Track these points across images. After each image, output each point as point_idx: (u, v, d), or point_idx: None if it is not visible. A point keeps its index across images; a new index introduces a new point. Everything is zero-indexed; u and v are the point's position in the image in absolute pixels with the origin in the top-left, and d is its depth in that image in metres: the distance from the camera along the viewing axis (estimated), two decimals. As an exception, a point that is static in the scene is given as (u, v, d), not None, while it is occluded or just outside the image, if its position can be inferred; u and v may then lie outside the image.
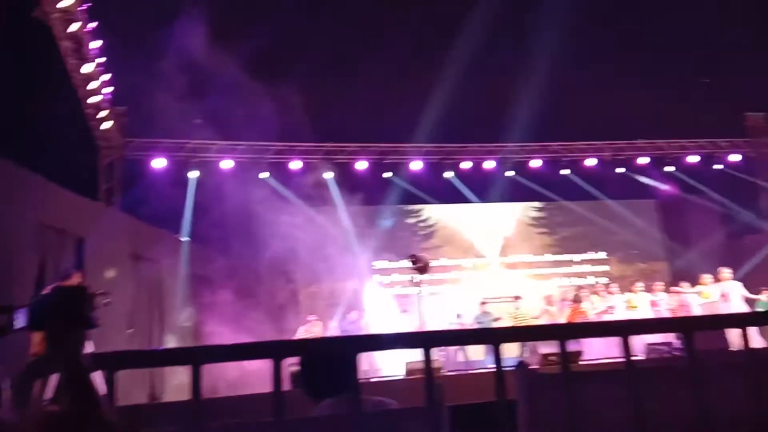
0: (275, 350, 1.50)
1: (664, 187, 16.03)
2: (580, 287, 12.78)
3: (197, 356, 1.47)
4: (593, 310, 11.78)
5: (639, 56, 12.80)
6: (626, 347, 1.65)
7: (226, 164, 13.75)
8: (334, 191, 14.66)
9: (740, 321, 1.76)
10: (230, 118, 12.32)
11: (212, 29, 10.89)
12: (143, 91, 10.98)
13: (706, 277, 11.82)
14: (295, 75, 12.34)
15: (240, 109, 11.66)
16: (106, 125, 12.37)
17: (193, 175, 13.56)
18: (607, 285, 12.39)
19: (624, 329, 1.72)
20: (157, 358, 1.55)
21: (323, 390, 2.16)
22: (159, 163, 13.33)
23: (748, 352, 1.79)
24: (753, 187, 16.39)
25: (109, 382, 1.48)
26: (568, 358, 6.02)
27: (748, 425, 1.85)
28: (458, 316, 12.84)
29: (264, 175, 14.09)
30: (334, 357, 2.02)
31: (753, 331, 6.74)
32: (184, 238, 12.72)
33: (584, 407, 1.77)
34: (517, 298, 12.89)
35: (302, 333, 11.94)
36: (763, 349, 7.58)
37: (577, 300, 11.76)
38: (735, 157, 16.32)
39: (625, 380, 1.73)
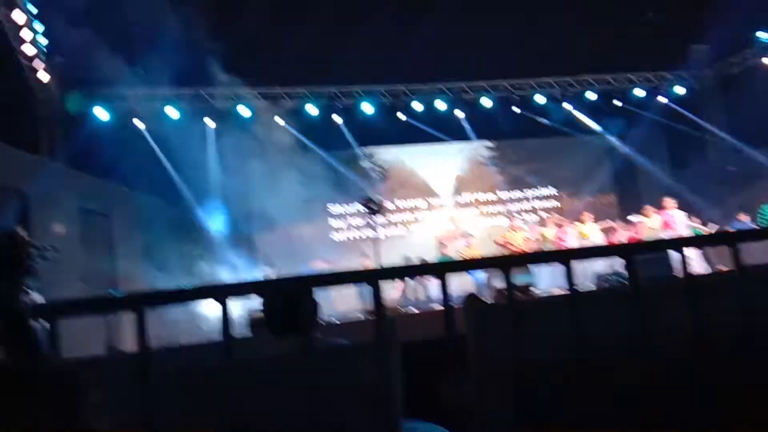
0: (220, 291, 1.49)
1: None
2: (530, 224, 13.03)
3: (139, 302, 1.44)
4: (545, 241, 12.07)
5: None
6: (569, 273, 1.68)
7: (171, 111, 13.37)
8: (287, 135, 14.45)
9: (678, 243, 1.81)
10: (174, 66, 11.94)
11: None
12: (82, 39, 10.54)
13: (649, 208, 12.20)
14: (237, 16, 11.99)
15: (181, 55, 11.29)
16: (44, 77, 11.85)
17: (140, 125, 13.18)
18: (559, 220, 12.65)
19: (565, 255, 1.75)
20: (99, 305, 1.52)
21: (281, 328, 2.18)
22: (100, 112, 12.88)
23: (686, 274, 1.85)
24: (699, 117, 16.77)
25: (52, 331, 1.45)
26: (520, 290, 6.17)
27: (691, 347, 1.93)
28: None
29: (211, 122, 13.77)
30: (287, 295, 2.03)
31: (694, 256, 6.99)
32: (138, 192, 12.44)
33: (531, 337, 1.81)
34: (467, 235, 13.07)
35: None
36: (707, 274, 7.94)
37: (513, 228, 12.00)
38: (680, 90, 16.61)
39: (569, 308, 1.77)
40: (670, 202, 12.00)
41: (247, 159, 14.12)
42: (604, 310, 1.99)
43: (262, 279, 11.68)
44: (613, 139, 16.67)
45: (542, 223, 12.52)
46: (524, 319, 1.79)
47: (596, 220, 12.89)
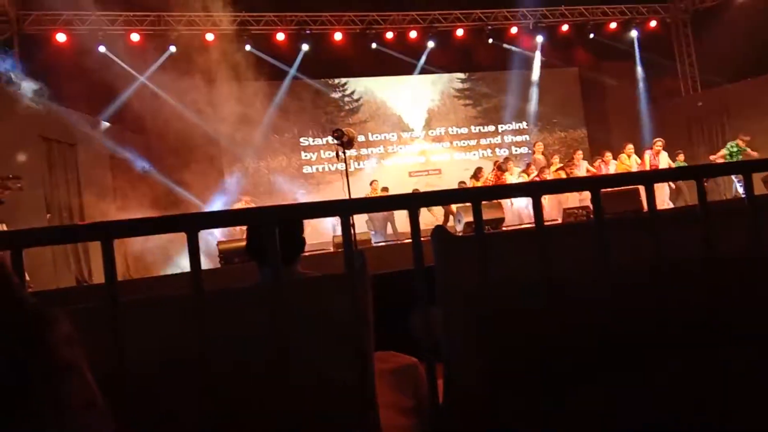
0: (190, 222, 1.47)
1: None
2: (506, 158, 13.04)
3: (107, 231, 1.42)
4: (518, 178, 12.15)
5: None
6: (536, 207, 1.70)
7: (135, 37, 12.92)
8: (254, 64, 14.11)
9: (645, 178, 1.84)
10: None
11: None
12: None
13: (629, 146, 12.26)
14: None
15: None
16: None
17: (101, 49, 12.72)
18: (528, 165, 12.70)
19: (534, 189, 1.77)
20: (64, 234, 1.50)
21: (260, 258, 2.20)
22: (61, 37, 12.38)
23: (651, 208, 1.88)
24: (670, 53, 16.79)
25: (17, 261, 1.43)
26: (491, 224, 6.25)
27: (651, 278, 1.97)
28: (384, 189, 12.99)
29: (173, 48, 13.34)
30: (259, 226, 2.03)
31: (660, 192, 7.13)
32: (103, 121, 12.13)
33: (498, 267, 1.84)
34: (437, 171, 13.10)
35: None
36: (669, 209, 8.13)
37: (501, 169, 12.05)
38: (653, 23, 16.53)
39: (536, 240, 1.80)
40: (658, 144, 12.01)
41: (213, 88, 13.82)
42: (568, 241, 2.02)
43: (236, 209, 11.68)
44: (585, 72, 16.64)
45: (526, 169, 12.49)
46: (491, 250, 1.82)
47: (564, 157, 12.99)
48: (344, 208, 1.59)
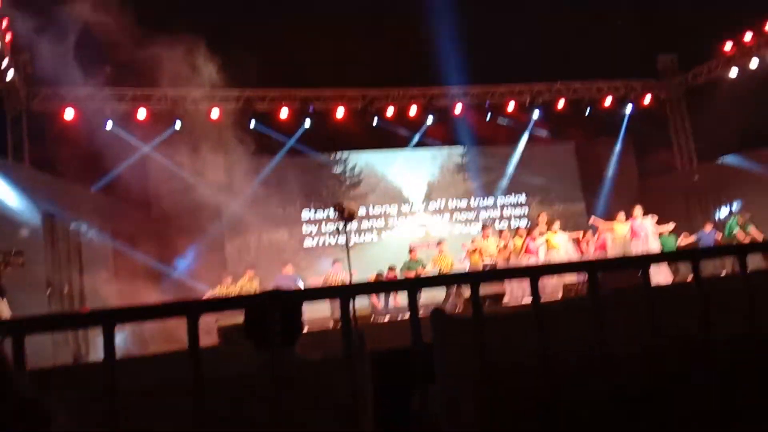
0: (190, 309, 1.49)
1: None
2: (501, 231, 13.13)
3: (108, 318, 1.44)
4: (515, 250, 12.18)
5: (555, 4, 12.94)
6: (534, 289, 1.72)
7: (142, 114, 13.22)
8: (258, 140, 14.39)
9: (641, 261, 1.87)
10: (141, 66, 11.83)
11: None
12: (49, 36, 10.40)
13: (620, 215, 12.39)
14: (205, 19, 11.95)
15: (150, 56, 11.20)
16: (9, 75, 11.62)
17: (109, 124, 12.99)
18: (529, 229, 12.75)
19: (533, 272, 1.79)
20: (66, 321, 1.52)
21: (257, 341, 2.20)
22: (69, 114, 12.66)
23: (646, 289, 1.90)
24: (664, 128, 17.11)
25: (17, 348, 1.44)
26: (491, 298, 6.24)
27: (645, 361, 1.98)
28: (390, 269, 12.93)
29: (179, 124, 13.63)
30: (259, 311, 2.05)
31: (659, 267, 7.14)
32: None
33: (496, 349, 1.84)
34: (440, 242, 13.15)
35: (241, 283, 11.97)
36: (666, 285, 8.12)
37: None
38: (647, 99, 16.92)
39: (532, 320, 1.82)
40: (638, 210, 12.21)
41: (217, 162, 14.07)
42: (566, 322, 2.04)
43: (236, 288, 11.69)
44: (581, 147, 16.93)
45: (513, 232, 12.60)
46: (489, 331, 1.83)
47: (565, 229, 13.07)
48: (344, 293, 1.61)
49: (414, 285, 1.69)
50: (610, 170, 16.59)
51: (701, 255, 1.89)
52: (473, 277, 1.69)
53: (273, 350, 1.63)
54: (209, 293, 11.52)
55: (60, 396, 1.46)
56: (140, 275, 11.59)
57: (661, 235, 12.27)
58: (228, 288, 11.61)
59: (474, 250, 12.27)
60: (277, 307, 1.57)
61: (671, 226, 12.47)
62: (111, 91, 12.93)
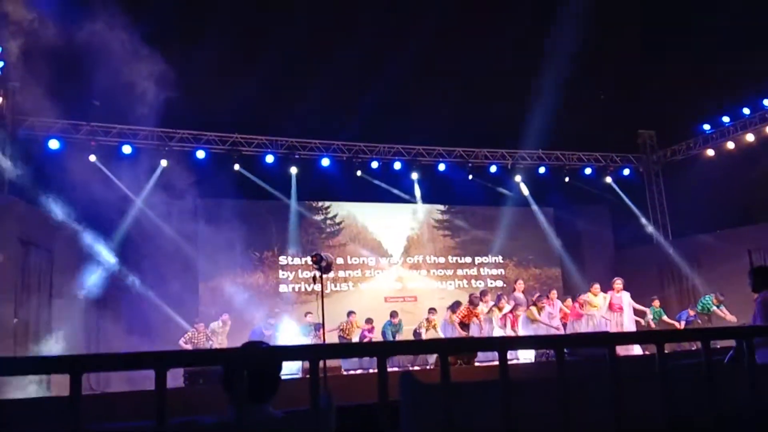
0: (158, 361, 1.50)
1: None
2: (483, 291, 13.14)
3: (77, 365, 1.44)
4: (489, 313, 12.23)
5: (541, 72, 13.30)
6: (502, 363, 1.75)
7: (126, 150, 13.23)
8: (241, 183, 14.44)
9: (607, 339, 1.91)
10: (130, 102, 11.91)
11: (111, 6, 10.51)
12: (39, 67, 10.45)
13: (596, 287, 12.47)
14: (201, 60, 12.11)
15: (141, 93, 11.29)
16: (-2, 101, 11.65)
17: (92, 158, 12.95)
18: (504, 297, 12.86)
19: (502, 345, 1.82)
20: (36, 365, 1.51)
21: (229, 394, 2.19)
22: (54, 144, 12.64)
23: (612, 368, 1.93)
24: (642, 200, 17.44)
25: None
26: (463, 359, 6.19)
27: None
28: (368, 320, 12.93)
29: (164, 163, 13.65)
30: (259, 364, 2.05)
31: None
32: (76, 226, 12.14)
33: (464, 416, 1.86)
34: (431, 311, 12.99)
35: (217, 328, 11.83)
36: (636, 356, 8.17)
37: (473, 303, 12.14)
38: (626, 171, 17.31)
39: (499, 391, 1.84)
40: (618, 284, 12.30)
41: (198, 203, 14.07)
42: (535, 398, 2.05)
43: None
44: (560, 213, 17.18)
45: (497, 303, 12.64)
46: (457, 399, 1.84)
47: (540, 293, 13.17)
48: (314, 354, 1.63)
49: (384, 350, 1.71)
50: (586, 239, 16.80)
51: (666, 338, 1.93)
52: (442, 347, 1.72)
53: (241, 407, 1.64)
54: (184, 338, 11.38)
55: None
56: (112, 311, 11.42)
57: (642, 312, 12.47)
58: (200, 333, 11.49)
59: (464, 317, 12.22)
60: (250, 365, 1.58)
61: (647, 310, 12.69)
62: (97, 125, 12.96)
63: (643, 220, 17.19)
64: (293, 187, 14.95)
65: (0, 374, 1.43)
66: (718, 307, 12.28)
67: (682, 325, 12.45)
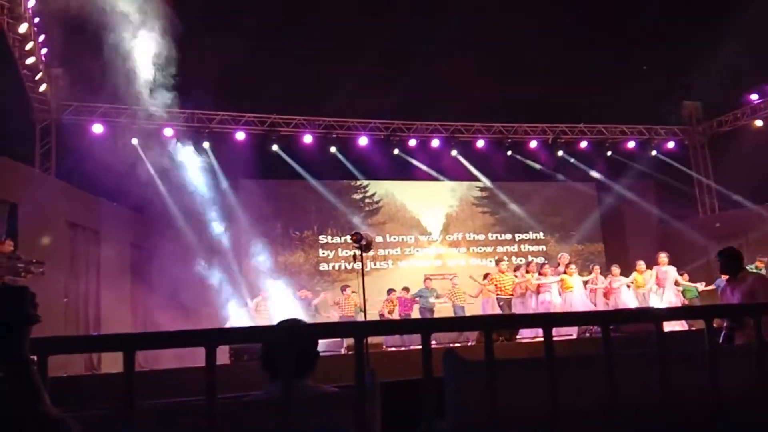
0: (209, 338, 1.53)
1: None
2: (518, 266, 13.08)
3: (130, 343, 1.48)
4: (529, 288, 12.15)
5: (583, 44, 13.04)
6: (547, 339, 1.74)
7: (168, 132, 13.42)
8: (280, 163, 14.55)
9: (654, 316, 1.88)
10: (172, 85, 12.06)
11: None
12: (83, 53, 10.64)
13: (641, 264, 12.24)
14: (235, 42, 12.17)
15: (183, 76, 11.43)
16: (42, 88, 11.92)
17: (134, 141, 13.20)
18: (541, 265, 12.69)
19: (546, 321, 1.81)
20: (91, 343, 1.56)
21: (273, 371, 2.23)
22: (97, 128, 12.91)
23: (659, 343, 1.91)
24: (687, 174, 17.02)
25: (42, 367, 1.49)
26: (505, 336, 6.19)
27: (658, 413, 1.98)
28: (404, 289, 13.04)
29: (206, 145, 13.84)
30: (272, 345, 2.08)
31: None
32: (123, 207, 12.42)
33: (506, 394, 1.86)
34: (453, 276, 13.13)
35: (253, 307, 12.03)
36: (679, 332, 8.03)
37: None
38: (671, 144, 16.89)
39: (544, 368, 1.83)
40: (663, 258, 12.06)
41: (239, 184, 14.25)
42: (578, 374, 2.04)
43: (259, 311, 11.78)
44: (603, 188, 16.88)
45: (528, 268, 12.53)
46: (500, 377, 1.84)
47: (582, 269, 13.01)
48: (358, 331, 1.64)
49: (428, 327, 1.72)
50: (630, 214, 16.46)
51: (713, 313, 1.89)
52: (486, 323, 1.72)
53: (285, 383, 1.66)
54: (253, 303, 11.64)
55: (77, 410, 1.50)
56: (156, 291, 11.67)
57: (681, 284, 12.19)
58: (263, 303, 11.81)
59: (490, 284, 12.25)
60: (291, 342, 1.60)
61: (691, 285, 12.41)
62: (139, 108, 13.17)
63: (689, 194, 16.79)
64: (329, 165, 14.98)
65: (57, 352, 1.48)
66: (759, 271, 11.95)
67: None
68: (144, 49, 10.91)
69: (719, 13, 13.13)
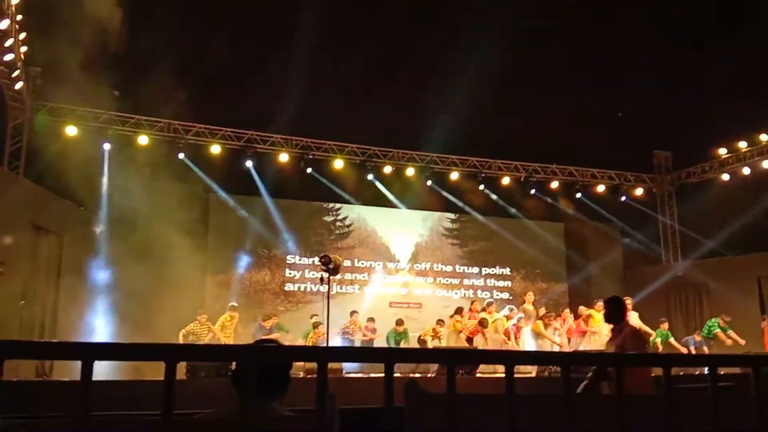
0: (168, 352, 1.51)
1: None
2: (488, 303, 13.13)
3: (90, 352, 1.46)
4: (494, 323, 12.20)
5: (561, 88, 13.33)
6: (508, 377, 1.75)
7: (142, 140, 13.29)
8: (253, 180, 14.49)
9: (615, 359, 1.91)
10: (151, 94, 12.01)
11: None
12: (61, 54, 10.54)
13: (599, 304, 12.36)
14: (217, 55, 12.20)
15: (162, 86, 11.37)
16: (18, 86, 11.73)
17: (107, 147, 13.04)
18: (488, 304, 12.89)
19: (510, 359, 1.82)
20: (48, 350, 1.53)
21: (238, 389, 2.20)
22: (71, 131, 12.72)
23: (617, 392, 1.92)
24: (654, 221, 17.37)
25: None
26: (465, 370, 6.17)
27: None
28: (370, 320, 13.00)
29: (181, 156, 13.71)
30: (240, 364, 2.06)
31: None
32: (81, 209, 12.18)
33: (466, 428, 1.86)
34: (438, 322, 12.97)
35: (226, 322, 11.82)
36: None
37: (482, 324, 12.03)
38: (639, 191, 17.24)
39: (504, 406, 1.84)
40: (627, 302, 12.20)
41: (210, 198, 14.15)
42: (538, 412, 2.05)
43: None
44: (570, 229, 17.11)
45: (488, 310, 12.61)
46: (461, 411, 1.85)
47: (546, 307, 13.12)
48: (322, 356, 1.64)
49: (392, 357, 1.72)
50: (596, 257, 16.69)
51: (672, 362, 1.93)
52: (449, 357, 1.72)
53: (246, 403, 1.65)
54: (185, 329, 11.33)
55: (25, 413, 1.47)
56: (117, 300, 11.47)
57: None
58: (202, 326, 11.45)
59: (455, 332, 12.25)
60: (258, 362, 1.59)
61: (653, 333, 12.59)
62: (115, 114, 13.05)
63: (654, 241, 17.11)
64: (302, 186, 14.93)
65: (11, 357, 1.44)
66: (724, 330, 12.21)
67: (692, 351, 12.38)
68: (124, 55, 10.85)
69: (699, 66, 13.57)
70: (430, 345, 12.43)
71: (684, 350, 12.55)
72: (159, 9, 11.12)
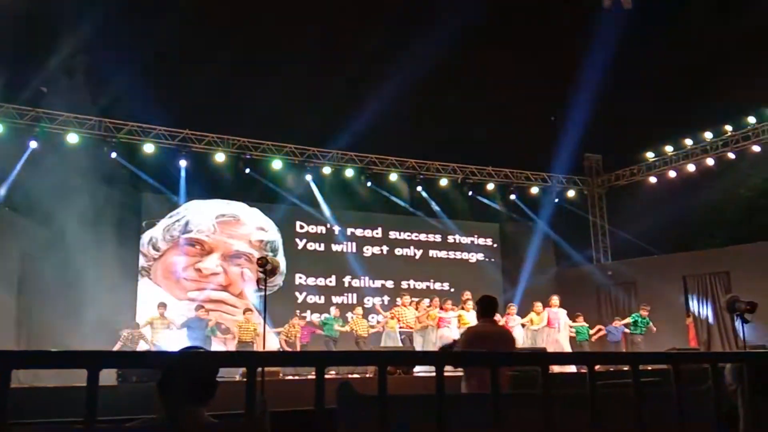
0: (91, 359, 1.47)
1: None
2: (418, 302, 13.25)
3: (6, 361, 1.41)
4: (429, 319, 12.32)
5: (499, 90, 13.58)
6: (439, 377, 1.78)
7: (72, 138, 12.82)
8: (189, 180, 14.19)
9: (540, 359, 1.96)
10: (83, 92, 11.65)
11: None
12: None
13: (538, 305, 12.70)
14: (154, 50, 11.94)
15: (94, 83, 11.04)
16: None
17: (33, 144, 12.51)
18: (444, 300, 12.88)
19: (439, 359, 1.85)
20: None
21: (163, 396, 2.15)
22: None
23: (545, 388, 1.97)
24: (585, 222, 17.91)
25: None
26: (403, 369, 6.18)
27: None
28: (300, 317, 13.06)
29: (113, 155, 13.29)
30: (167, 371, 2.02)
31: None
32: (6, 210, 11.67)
33: (398, 429, 1.88)
34: (357, 306, 13.18)
35: (155, 321, 11.63)
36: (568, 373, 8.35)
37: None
38: (571, 193, 17.75)
39: (435, 405, 1.86)
40: (554, 300, 12.62)
41: (144, 199, 13.80)
42: (469, 413, 2.09)
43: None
44: (505, 230, 17.45)
45: (432, 303, 12.72)
46: (393, 412, 1.86)
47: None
48: (253, 361, 1.62)
49: (322, 361, 1.72)
50: (530, 256, 17.02)
51: (596, 360, 1.99)
52: (381, 359, 1.74)
53: (174, 410, 1.62)
54: (120, 343, 10.98)
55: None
56: (47, 305, 11.02)
57: (573, 325, 12.74)
58: (135, 337, 11.20)
59: (392, 317, 12.42)
60: (189, 371, 1.56)
61: (581, 319, 12.96)
62: (43, 111, 12.59)
63: (585, 242, 17.63)
64: (239, 186, 14.69)
65: None
66: (645, 322, 12.74)
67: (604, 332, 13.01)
68: (55, 52, 10.48)
69: (633, 74, 14.06)
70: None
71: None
72: None
